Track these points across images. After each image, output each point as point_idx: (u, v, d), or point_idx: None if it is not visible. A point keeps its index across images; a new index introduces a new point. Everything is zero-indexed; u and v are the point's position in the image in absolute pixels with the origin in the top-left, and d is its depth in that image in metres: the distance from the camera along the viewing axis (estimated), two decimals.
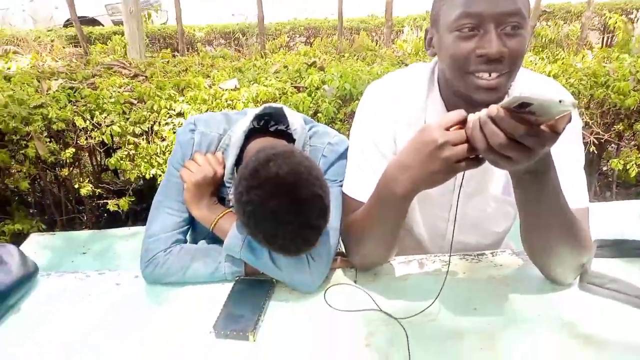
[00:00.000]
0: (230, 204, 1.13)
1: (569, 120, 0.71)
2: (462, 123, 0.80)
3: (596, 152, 2.44)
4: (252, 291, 1.07)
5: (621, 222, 1.96)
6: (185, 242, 1.19)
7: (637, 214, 1.93)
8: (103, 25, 6.10)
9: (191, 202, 1.12)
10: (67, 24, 5.83)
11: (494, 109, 0.71)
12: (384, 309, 1.02)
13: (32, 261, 1.15)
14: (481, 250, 1.25)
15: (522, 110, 0.68)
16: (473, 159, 0.80)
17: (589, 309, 1.02)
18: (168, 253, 1.12)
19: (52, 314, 1.05)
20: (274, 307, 1.05)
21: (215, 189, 1.14)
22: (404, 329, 0.96)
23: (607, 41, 5.08)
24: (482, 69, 0.93)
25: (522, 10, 0.91)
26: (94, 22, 6.43)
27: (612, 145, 2.61)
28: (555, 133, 0.71)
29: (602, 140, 2.41)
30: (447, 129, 0.80)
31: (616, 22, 3.41)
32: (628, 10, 5.19)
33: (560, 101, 0.62)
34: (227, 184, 1.15)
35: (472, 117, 0.77)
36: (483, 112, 0.73)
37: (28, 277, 1.11)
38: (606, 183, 2.92)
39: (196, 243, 1.19)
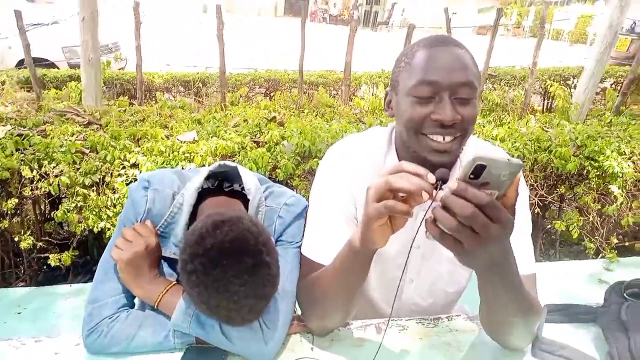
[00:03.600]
0: None
1: (517, 194, 0.75)
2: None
3: (540, 212, 2.56)
4: None
5: (567, 281, 2.06)
6: (133, 305, 1.13)
7: (583, 274, 2.03)
8: (58, 68, 5.97)
9: (129, 282, 1.06)
10: (21, 66, 5.67)
11: (454, 183, 0.73)
12: None
13: None
14: (434, 312, 1.26)
15: (477, 181, 0.71)
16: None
17: None
18: (113, 320, 1.05)
19: None
20: None
21: (153, 261, 1.08)
22: None
23: (548, 105, 5.48)
24: (436, 132, 0.99)
25: (474, 81, 0.99)
26: (52, 65, 6.28)
27: (555, 205, 2.75)
28: (510, 209, 0.75)
29: (546, 202, 2.54)
30: None
31: (556, 90, 3.69)
32: (565, 76, 5.65)
33: (508, 160, 0.69)
34: (178, 246, 1.10)
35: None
36: (443, 192, 0.74)
37: None
38: (550, 241, 3.05)
39: (144, 306, 1.13)
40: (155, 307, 1.06)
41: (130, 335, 1.04)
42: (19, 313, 1.83)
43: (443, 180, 0.77)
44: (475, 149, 1.14)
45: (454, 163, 1.12)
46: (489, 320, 1.05)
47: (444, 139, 0.99)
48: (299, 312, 1.21)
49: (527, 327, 1.04)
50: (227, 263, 0.86)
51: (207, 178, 1.13)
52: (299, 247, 1.15)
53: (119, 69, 6.00)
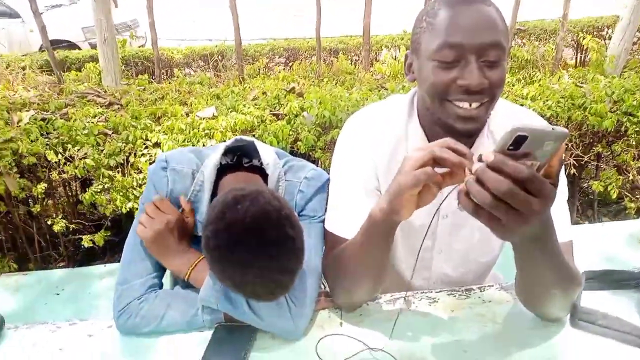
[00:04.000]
0: None
1: (562, 163, 0.69)
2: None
3: (576, 173, 2.46)
4: (233, 339, 1.02)
5: (606, 243, 1.98)
6: (161, 286, 1.14)
7: (623, 235, 1.95)
8: (80, 49, 5.99)
9: (159, 257, 1.07)
10: (43, 49, 5.72)
11: (490, 155, 0.66)
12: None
13: None
14: (467, 282, 1.22)
15: (517, 152, 0.65)
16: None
17: (581, 347, 1.00)
18: (142, 301, 1.06)
19: None
20: (256, 356, 1.00)
21: (180, 234, 1.08)
22: None
23: (581, 59, 5.21)
24: (462, 98, 0.93)
25: (502, 41, 0.91)
26: (73, 46, 6.30)
27: (592, 164, 2.64)
28: (554, 179, 0.69)
29: (582, 162, 2.43)
30: None
31: (589, 42, 3.48)
32: (599, 27, 5.34)
33: (553, 128, 0.63)
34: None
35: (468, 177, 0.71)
36: (478, 164, 0.68)
37: None
38: (587, 201, 2.94)
39: (176, 283, 1.14)
40: (186, 280, 1.06)
41: (160, 315, 1.05)
42: (58, 294, 1.90)
43: None
44: (504, 112, 1.07)
45: (481, 130, 1.06)
46: (526, 292, 1.00)
47: (470, 105, 0.93)
48: (326, 288, 1.20)
49: (566, 297, 0.99)
50: (250, 238, 0.83)
51: (225, 154, 1.11)
52: (322, 221, 1.13)
53: (139, 47, 5.98)
